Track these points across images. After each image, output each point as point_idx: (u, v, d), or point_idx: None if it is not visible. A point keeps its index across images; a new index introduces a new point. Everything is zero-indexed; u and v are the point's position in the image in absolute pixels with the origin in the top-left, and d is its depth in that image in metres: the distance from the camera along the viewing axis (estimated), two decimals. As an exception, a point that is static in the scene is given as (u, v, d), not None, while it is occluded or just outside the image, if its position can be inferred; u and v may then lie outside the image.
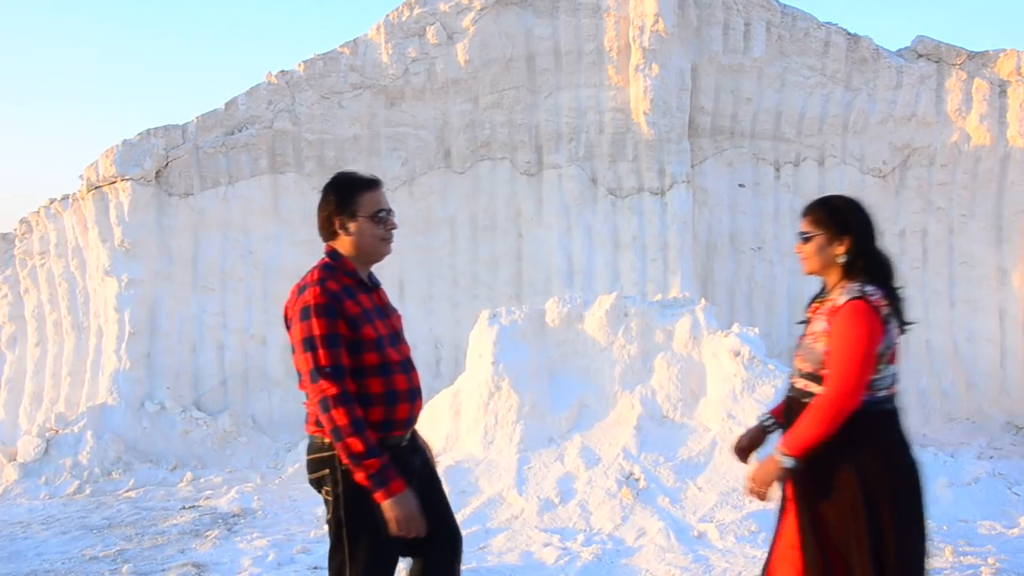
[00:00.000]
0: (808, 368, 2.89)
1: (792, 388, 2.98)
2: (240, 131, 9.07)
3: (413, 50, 9.14)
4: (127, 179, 8.70)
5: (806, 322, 3.00)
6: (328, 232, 2.93)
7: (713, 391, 6.85)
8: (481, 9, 9.13)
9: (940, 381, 9.48)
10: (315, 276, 2.82)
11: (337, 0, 49.99)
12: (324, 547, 5.68)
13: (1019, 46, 9.29)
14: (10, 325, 9.58)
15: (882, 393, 2.84)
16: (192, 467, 8.23)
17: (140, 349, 8.64)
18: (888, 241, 9.48)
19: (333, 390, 2.68)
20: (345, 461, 2.71)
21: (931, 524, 5.68)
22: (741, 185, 9.64)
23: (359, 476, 2.70)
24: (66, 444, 8.08)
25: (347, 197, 2.90)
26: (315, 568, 5.36)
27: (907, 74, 9.44)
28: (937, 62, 9.52)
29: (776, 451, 2.82)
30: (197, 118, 9.02)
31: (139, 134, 8.87)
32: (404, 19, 9.19)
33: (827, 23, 9.54)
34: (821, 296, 2.98)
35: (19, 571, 5.60)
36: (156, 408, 8.56)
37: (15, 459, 8.07)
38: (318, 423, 2.80)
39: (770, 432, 3.13)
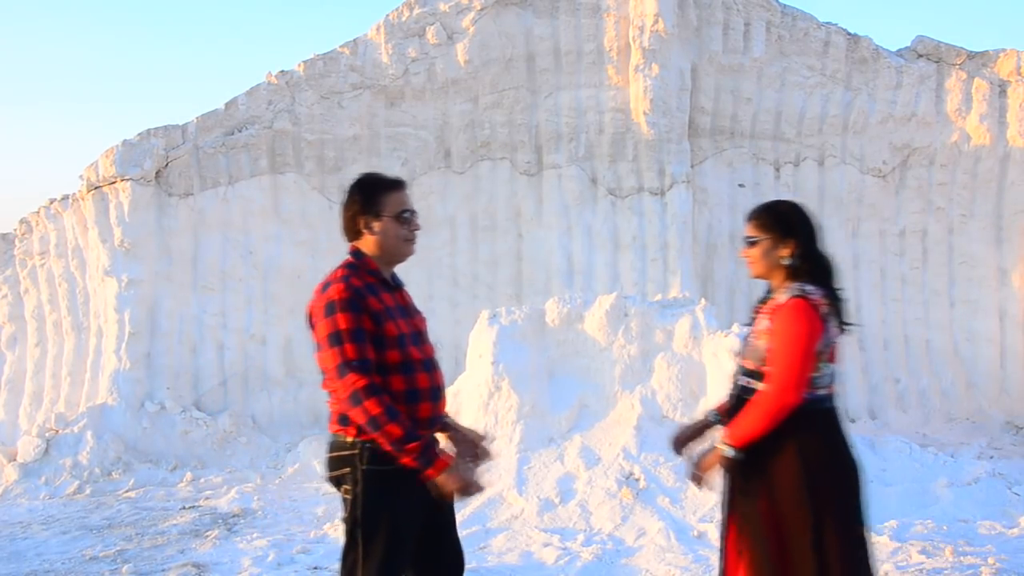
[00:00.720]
0: (751, 365, 2.97)
1: (735, 385, 3.07)
2: (240, 131, 9.07)
3: (413, 50, 9.14)
4: (127, 179, 8.70)
5: (752, 322, 3.07)
6: (353, 232, 2.94)
7: (713, 391, 6.84)
8: (481, 9, 9.13)
9: (940, 381, 9.48)
10: (339, 274, 2.85)
11: (337, 0, 49.96)
12: (324, 547, 5.69)
13: (1019, 46, 9.34)
14: (10, 325, 9.58)
15: (822, 391, 2.90)
16: (192, 467, 8.23)
17: (140, 349, 8.64)
18: (888, 241, 9.50)
19: (362, 382, 2.70)
20: (388, 449, 2.72)
21: (929, 523, 5.80)
22: (741, 185, 9.64)
23: (406, 460, 2.71)
24: (66, 444, 8.08)
25: (372, 197, 2.91)
26: (315, 568, 5.36)
27: (907, 74, 9.44)
28: (937, 62, 9.52)
29: (720, 442, 2.92)
30: (197, 118, 9.02)
31: (139, 134, 8.87)
32: (404, 19, 9.19)
33: (827, 23, 9.53)
34: (766, 298, 3.06)
35: (19, 571, 5.60)
36: (156, 408, 8.56)
37: (15, 459, 8.07)
38: (341, 421, 2.82)
39: (713, 426, 3.22)
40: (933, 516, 6.08)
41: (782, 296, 2.91)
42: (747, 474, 2.91)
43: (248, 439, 8.63)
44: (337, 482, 2.87)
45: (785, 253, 2.94)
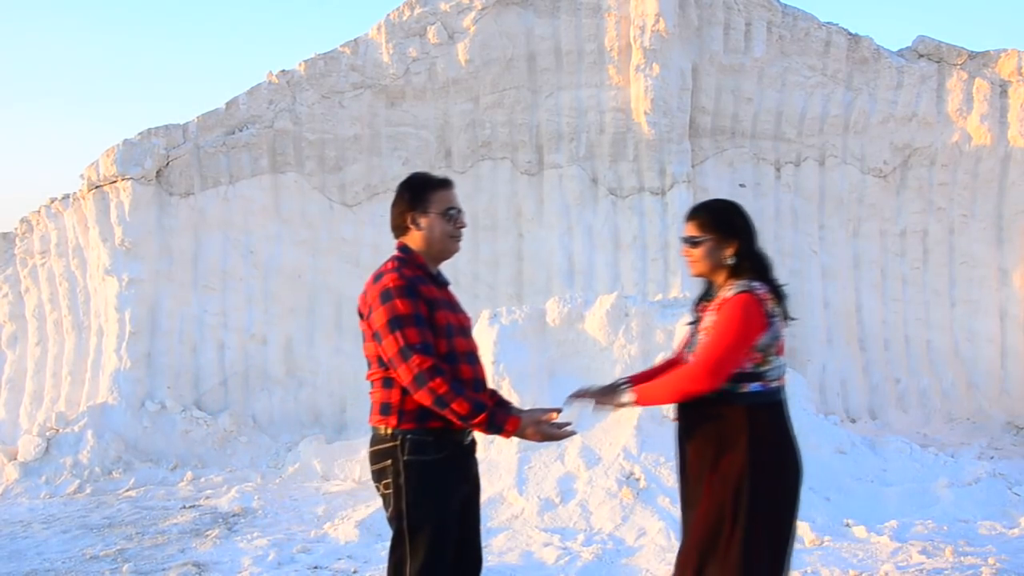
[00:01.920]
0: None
1: None
2: (241, 131, 9.07)
3: (414, 50, 9.14)
4: (128, 179, 8.70)
5: (696, 321, 3.12)
6: (401, 228, 3.02)
7: None
8: (482, 9, 9.12)
9: (941, 381, 9.47)
10: (390, 265, 2.93)
11: (338, 0, 49.83)
12: (324, 547, 5.69)
13: (1019, 46, 9.29)
14: (10, 324, 9.58)
15: (774, 384, 2.96)
16: (192, 467, 8.23)
17: (141, 348, 8.64)
18: (888, 241, 9.50)
19: (428, 363, 2.75)
20: (459, 425, 2.81)
21: (929, 524, 5.81)
22: (742, 185, 9.63)
23: (479, 431, 2.83)
24: (66, 443, 8.08)
25: (420, 194, 2.99)
26: (315, 568, 5.37)
27: (908, 74, 9.44)
28: (938, 62, 9.51)
29: (628, 388, 3.03)
30: (198, 117, 9.02)
31: (140, 133, 8.87)
32: (405, 19, 9.19)
33: (828, 23, 9.53)
34: (708, 296, 3.12)
35: (19, 570, 5.60)
36: (156, 407, 8.56)
37: (15, 458, 8.07)
38: (382, 411, 2.88)
39: (620, 391, 3.22)
40: (933, 516, 6.09)
41: (728, 292, 2.96)
42: (698, 464, 2.97)
43: (249, 438, 8.63)
44: (378, 476, 2.90)
45: (729, 253, 3.00)
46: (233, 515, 6.72)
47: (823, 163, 9.67)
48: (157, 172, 8.86)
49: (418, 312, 2.80)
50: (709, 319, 2.97)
